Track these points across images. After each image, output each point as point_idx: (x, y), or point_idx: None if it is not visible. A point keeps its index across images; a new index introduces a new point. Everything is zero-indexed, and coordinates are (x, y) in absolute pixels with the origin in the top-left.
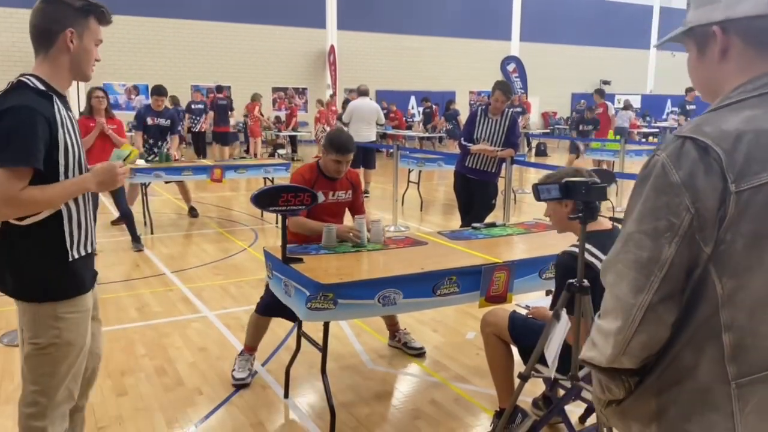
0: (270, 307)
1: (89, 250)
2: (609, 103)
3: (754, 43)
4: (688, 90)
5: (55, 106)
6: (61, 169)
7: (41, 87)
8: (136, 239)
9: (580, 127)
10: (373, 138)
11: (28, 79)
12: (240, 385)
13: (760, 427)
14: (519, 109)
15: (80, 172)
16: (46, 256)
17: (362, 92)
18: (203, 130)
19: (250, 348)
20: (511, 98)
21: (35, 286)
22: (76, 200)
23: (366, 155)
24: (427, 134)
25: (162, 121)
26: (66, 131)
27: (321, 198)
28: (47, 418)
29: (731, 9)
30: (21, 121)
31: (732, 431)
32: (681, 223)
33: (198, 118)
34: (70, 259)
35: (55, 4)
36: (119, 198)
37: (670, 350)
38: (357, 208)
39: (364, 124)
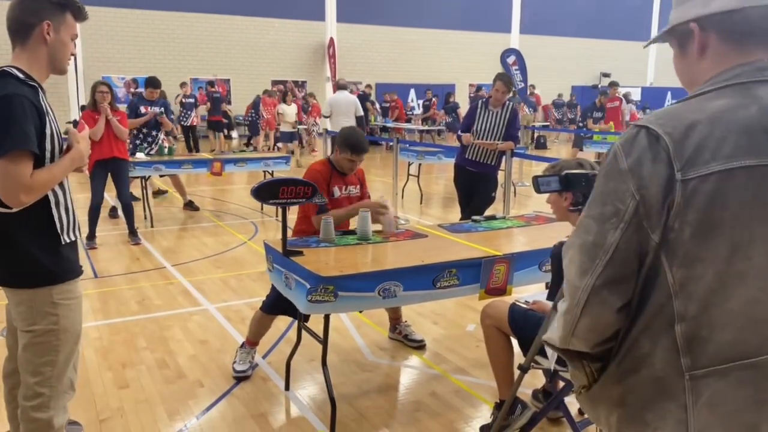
0: (275, 306)
1: (78, 235)
2: (624, 100)
3: (729, 38)
4: None
5: (40, 95)
6: (48, 155)
7: (23, 77)
8: (133, 232)
9: (594, 114)
10: None
11: (10, 69)
12: (241, 378)
13: (712, 420)
14: (532, 99)
15: None
16: (39, 240)
17: (341, 86)
18: (194, 124)
19: (252, 342)
20: (512, 89)
21: (30, 271)
22: (61, 185)
23: None
24: (426, 127)
25: (156, 110)
26: (50, 120)
27: (324, 199)
28: (51, 409)
29: (706, 5)
30: (14, 108)
31: (684, 423)
32: (626, 209)
33: (189, 112)
34: (63, 243)
35: None
36: (122, 188)
37: (629, 337)
38: None
39: (343, 117)
